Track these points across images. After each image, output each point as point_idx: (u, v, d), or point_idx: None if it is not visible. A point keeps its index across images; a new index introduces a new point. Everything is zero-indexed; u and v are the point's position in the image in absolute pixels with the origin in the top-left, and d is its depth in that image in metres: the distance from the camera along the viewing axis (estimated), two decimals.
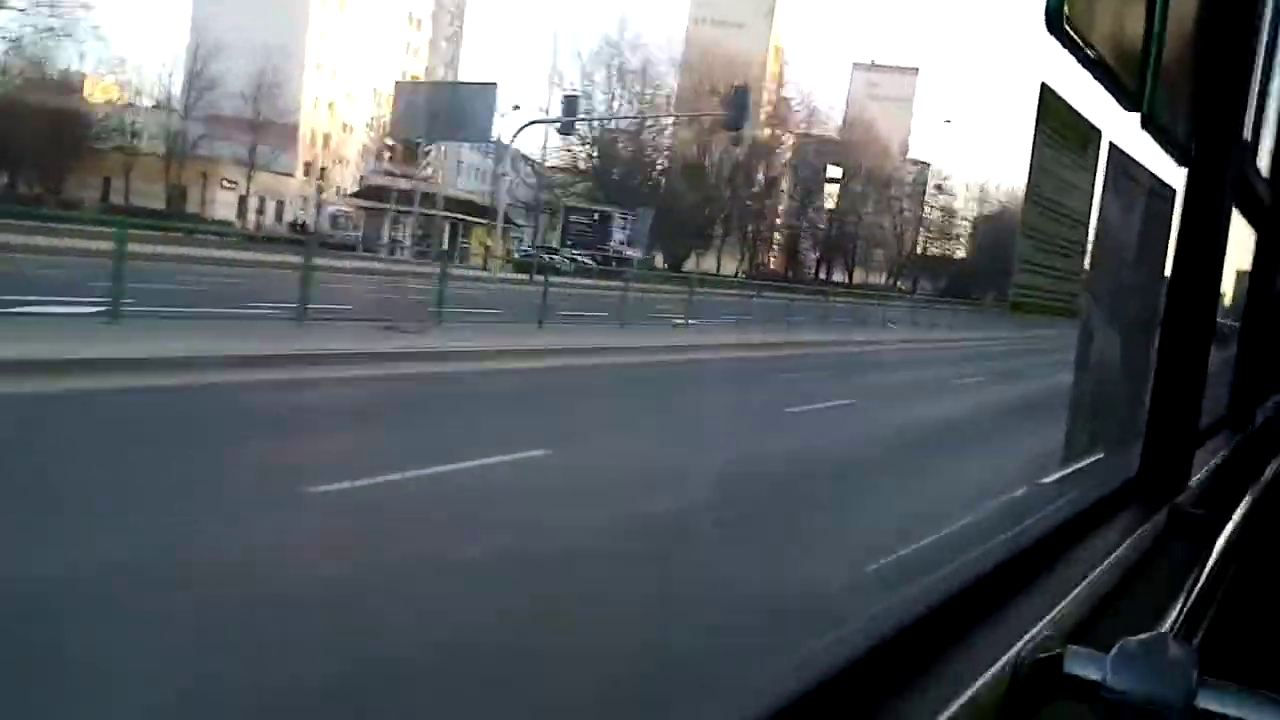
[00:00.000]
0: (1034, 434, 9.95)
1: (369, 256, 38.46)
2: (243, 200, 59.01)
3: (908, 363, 22.04)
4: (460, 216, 53.71)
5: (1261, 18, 1.77)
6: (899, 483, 8.18)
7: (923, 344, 29.23)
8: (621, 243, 57.70)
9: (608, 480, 7.21)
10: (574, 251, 51.00)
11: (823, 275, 70.13)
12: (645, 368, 15.04)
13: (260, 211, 60.32)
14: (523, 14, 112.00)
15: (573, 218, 59.57)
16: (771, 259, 71.06)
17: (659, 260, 62.84)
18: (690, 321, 21.85)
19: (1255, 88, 2.10)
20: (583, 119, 46.45)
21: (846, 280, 69.51)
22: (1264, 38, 1.97)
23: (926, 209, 74.50)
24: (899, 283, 70.29)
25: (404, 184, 51.65)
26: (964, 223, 75.34)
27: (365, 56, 69.69)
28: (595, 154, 66.14)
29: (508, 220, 54.54)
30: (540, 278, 24.05)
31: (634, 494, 6.84)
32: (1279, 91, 2.99)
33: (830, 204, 71.60)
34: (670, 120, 64.77)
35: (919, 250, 73.48)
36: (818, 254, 71.97)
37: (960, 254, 74.97)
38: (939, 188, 74.52)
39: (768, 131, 70.27)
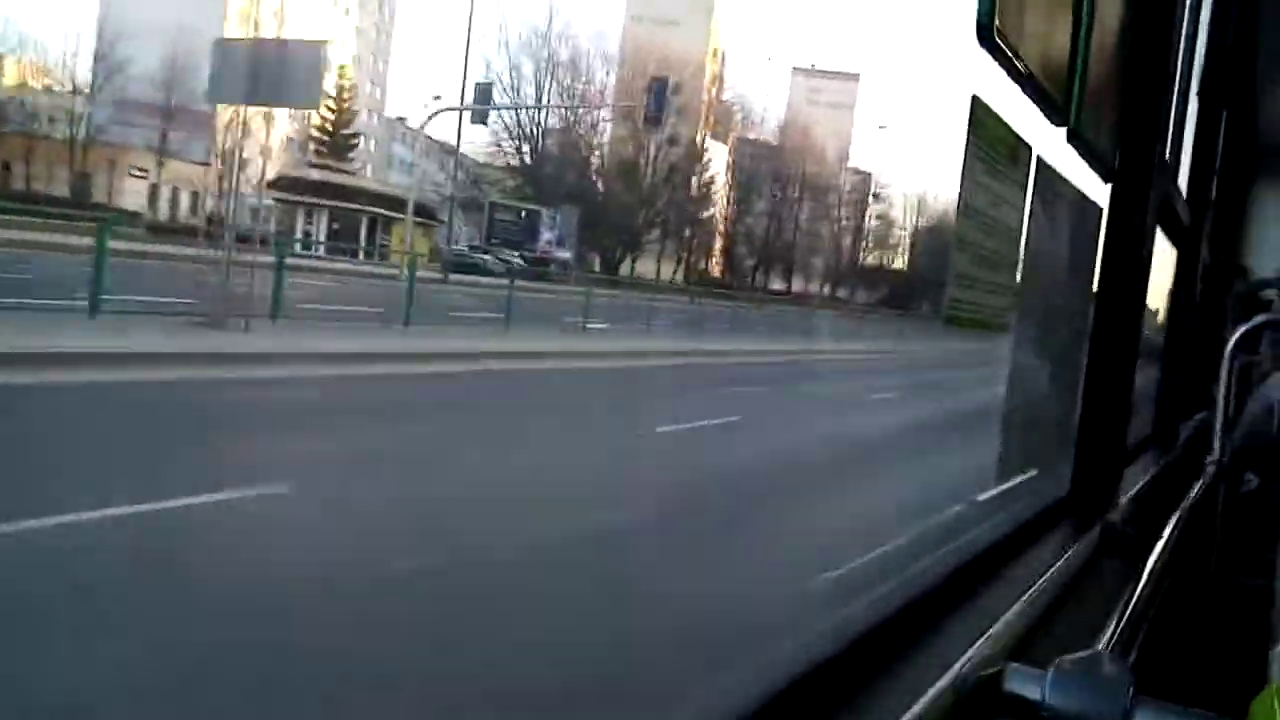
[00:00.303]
0: (930, 465, 9.73)
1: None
2: (155, 189, 55.78)
3: (824, 374, 20.76)
4: (378, 211, 50.53)
5: (1179, 39, 1.81)
6: (725, 537, 6.01)
7: (850, 354, 27.86)
8: (549, 242, 55.34)
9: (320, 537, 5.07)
10: (505, 252, 48.68)
11: (761, 282, 69.89)
12: (510, 376, 13.26)
13: (173, 202, 57.11)
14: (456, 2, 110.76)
15: (498, 216, 56.57)
16: (710, 264, 70.50)
17: (595, 262, 61.72)
18: (592, 325, 20.28)
19: (1174, 111, 2.15)
20: (494, 107, 43.94)
21: (785, 288, 69.47)
22: (1180, 64, 2.03)
23: (865, 218, 74.18)
24: (838, 291, 70.53)
25: (316, 175, 49.90)
26: (902, 232, 75.22)
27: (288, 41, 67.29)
28: (525, 150, 63.97)
29: (431, 217, 53.33)
30: (462, 276, 23.46)
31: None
32: (1195, 116, 3.09)
33: (767, 209, 71.42)
34: (604, 116, 64.06)
35: (858, 259, 73.48)
36: (754, 260, 71.80)
37: (898, 264, 75.01)
38: (876, 196, 74.14)
39: (705, 133, 69.52)
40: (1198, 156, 3.11)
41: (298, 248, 34.07)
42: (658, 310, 25.90)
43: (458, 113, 44.12)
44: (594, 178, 65.19)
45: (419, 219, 49.41)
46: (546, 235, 55.42)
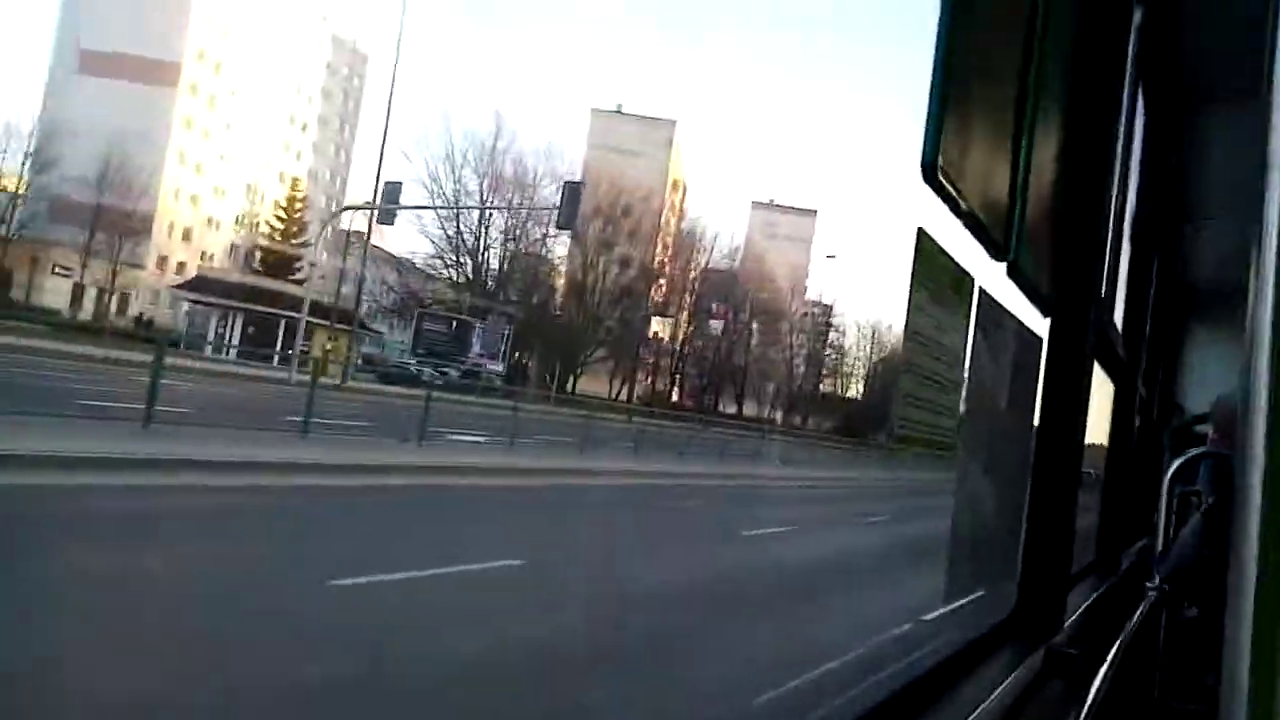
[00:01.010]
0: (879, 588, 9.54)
1: (184, 353, 32.75)
2: (79, 289, 54.55)
3: (732, 499, 19.53)
4: (297, 316, 48.77)
5: (1112, 186, 1.92)
6: None
7: (800, 481, 26.72)
8: (480, 354, 52.86)
9: None
10: (441, 363, 46.80)
11: (711, 404, 69.72)
12: (368, 493, 11.64)
13: (103, 303, 55.24)
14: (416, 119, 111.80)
15: (427, 325, 53.91)
16: (659, 385, 70.31)
17: (539, 378, 60.77)
18: (506, 441, 18.49)
19: (1109, 252, 2.27)
20: (402, 207, 41.13)
21: (736, 411, 69.45)
22: (1113, 204, 2.14)
23: (821, 346, 74.64)
24: (792, 417, 70.51)
25: (236, 278, 48.25)
26: (856, 362, 76.30)
27: (239, 153, 66.92)
28: (465, 263, 62.61)
29: (363, 326, 51.66)
30: (393, 386, 22.69)
31: None
32: (1128, 257, 3.24)
33: (721, 334, 71.86)
34: (551, 232, 62.55)
35: (814, 387, 73.39)
36: (703, 383, 71.63)
37: (852, 392, 75.86)
38: (829, 324, 75.31)
39: (664, 259, 70.38)
40: (1132, 296, 3.24)
41: (209, 350, 32.52)
42: (594, 428, 24.47)
43: (367, 213, 42.41)
44: (536, 294, 64.41)
45: (347, 326, 48.25)
46: (476, 347, 53.22)
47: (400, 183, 39.44)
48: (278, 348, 41.81)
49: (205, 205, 66.33)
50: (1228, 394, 3.74)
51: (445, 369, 44.42)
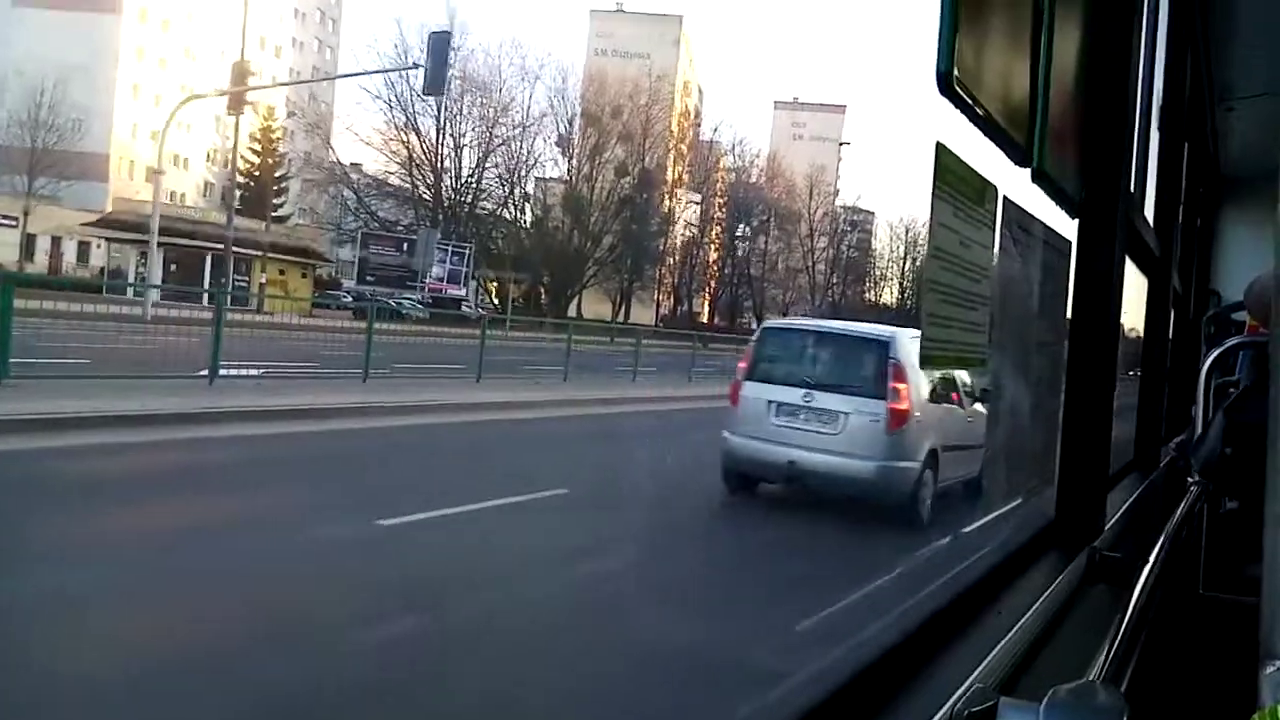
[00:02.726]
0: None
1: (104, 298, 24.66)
2: (30, 239, 49.76)
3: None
4: (220, 248, 40.18)
5: (1137, 76, 1.86)
6: None
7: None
8: (438, 279, 46.81)
9: None
10: (392, 291, 42.07)
11: (744, 321, 66.45)
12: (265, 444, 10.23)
13: (54, 253, 51.03)
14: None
15: (373, 248, 47.46)
16: (665, 304, 66.04)
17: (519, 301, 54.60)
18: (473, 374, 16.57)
19: (1137, 145, 2.20)
20: (251, 88, 32.12)
21: (754, 327, 66.18)
22: (1139, 95, 2.08)
23: (848, 250, 70.96)
24: None
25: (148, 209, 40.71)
26: (893, 266, 72.20)
27: (202, 83, 55.33)
28: (425, 178, 56.03)
29: (313, 255, 47.24)
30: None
31: None
32: (1157, 148, 3.16)
33: (748, 246, 68.65)
34: (536, 149, 57.57)
35: (838, 294, 69.10)
36: (712, 299, 67.88)
37: (885, 299, 71.42)
38: (852, 225, 71.51)
39: (680, 168, 66.17)
40: (1163, 187, 3.17)
41: (130, 293, 27.57)
42: (580, 354, 21.96)
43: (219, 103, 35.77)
44: (517, 212, 59.97)
45: (291, 258, 44.40)
46: (436, 270, 47.14)
47: (249, 61, 30.82)
48: (205, 284, 37.30)
49: (169, 141, 58.59)
50: (1265, 275, 3.66)
51: (407, 301, 40.05)
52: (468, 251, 50.26)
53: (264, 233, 44.25)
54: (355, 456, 10.44)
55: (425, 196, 56.56)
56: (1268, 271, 3.68)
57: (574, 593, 5.87)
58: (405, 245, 48.27)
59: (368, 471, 9.44)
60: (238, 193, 54.86)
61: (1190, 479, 2.81)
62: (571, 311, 55.04)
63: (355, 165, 57.54)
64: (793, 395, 8.60)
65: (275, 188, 55.33)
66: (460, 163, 56.97)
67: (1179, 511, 2.29)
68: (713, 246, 68.25)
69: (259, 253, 42.42)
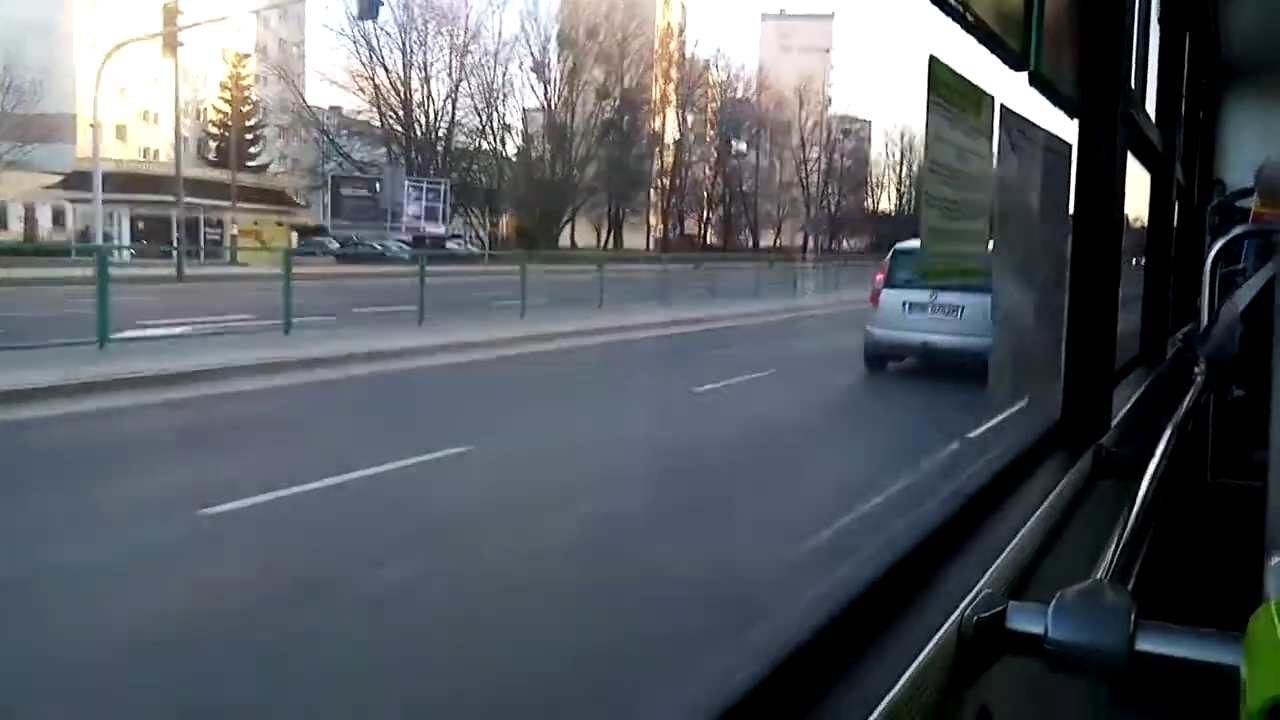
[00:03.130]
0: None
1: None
2: (1, 207, 45.74)
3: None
4: (197, 202, 39.72)
5: None
6: None
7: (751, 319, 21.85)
8: (417, 217, 45.62)
9: None
10: (398, 238, 40.80)
11: (747, 241, 64.39)
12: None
13: (29, 219, 47.03)
14: None
15: (344, 190, 45.93)
16: (659, 228, 64.11)
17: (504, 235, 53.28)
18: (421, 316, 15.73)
19: (1135, 37, 2.16)
20: (181, 28, 31.97)
21: (752, 245, 63.64)
22: None
23: (842, 160, 69.11)
24: (810, 243, 66.35)
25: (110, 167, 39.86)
26: (889, 173, 71.25)
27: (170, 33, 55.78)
28: (393, 111, 53.57)
29: (284, 201, 45.99)
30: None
31: None
32: (1158, 38, 3.10)
33: (740, 164, 65.92)
34: (511, 76, 56.74)
35: (834, 205, 68.00)
36: (705, 218, 65.58)
37: (884, 206, 70.56)
38: (846, 132, 69.44)
39: (666, 86, 64.05)
40: (1164, 80, 3.11)
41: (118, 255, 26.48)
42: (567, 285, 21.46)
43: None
44: (496, 143, 57.26)
45: (269, 207, 43.32)
46: (412, 209, 45.81)
47: None
48: (173, 242, 35.88)
49: (137, 96, 55.60)
50: (1276, 157, 3.62)
51: (386, 241, 39.08)
52: (443, 187, 48.62)
53: (230, 183, 42.58)
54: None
55: (397, 130, 54.56)
56: (1278, 154, 3.64)
57: None
58: (376, 185, 46.96)
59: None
60: (212, 144, 54.05)
61: (1196, 369, 2.82)
62: (565, 241, 53.97)
63: (335, 109, 55.82)
64: (922, 296, 11.40)
65: (249, 136, 53.63)
66: (430, 94, 55.25)
67: (1185, 403, 2.31)
68: (706, 165, 66.80)
69: (226, 203, 40.62)
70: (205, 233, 39.92)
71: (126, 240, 34.94)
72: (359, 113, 54.78)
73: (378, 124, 54.81)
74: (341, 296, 15.84)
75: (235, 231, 39.82)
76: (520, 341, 15.26)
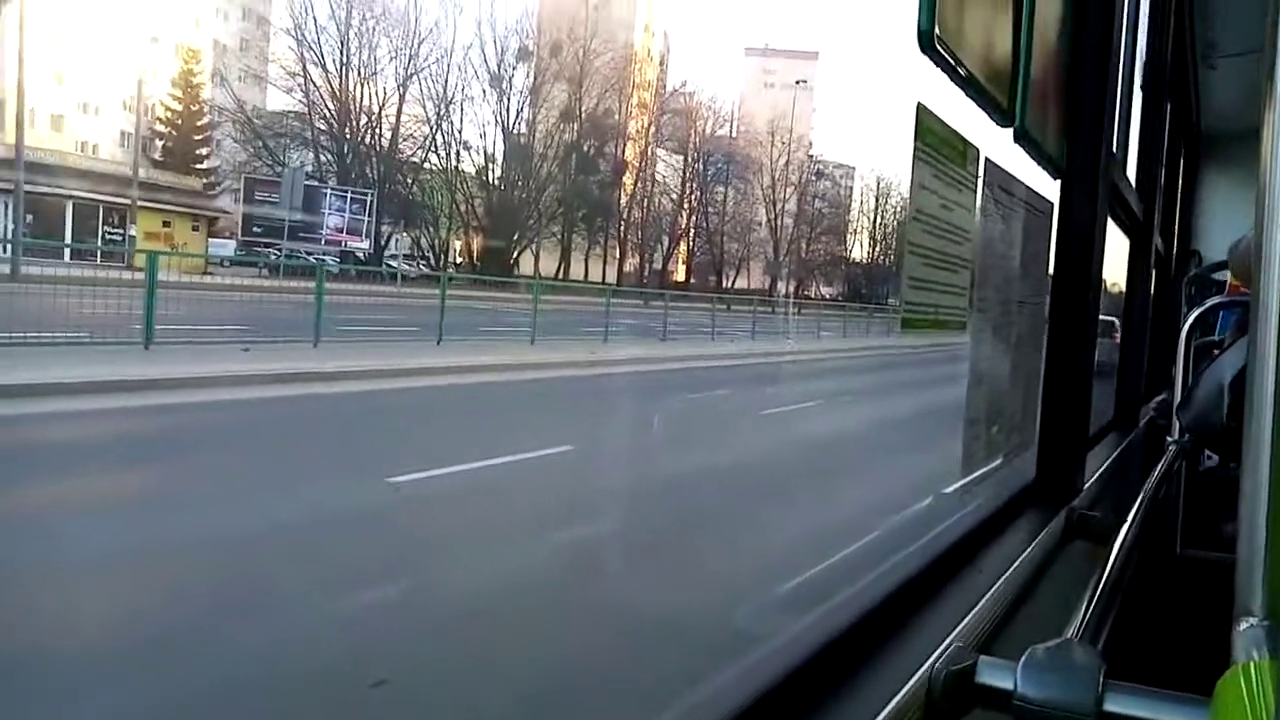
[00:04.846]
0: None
1: None
2: None
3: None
4: (95, 196, 36.49)
5: (1120, 34, 1.85)
6: None
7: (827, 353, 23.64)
8: (338, 229, 42.43)
9: None
10: (282, 244, 37.85)
11: (711, 282, 61.54)
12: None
13: None
14: None
15: (258, 194, 42.26)
16: (628, 262, 61.18)
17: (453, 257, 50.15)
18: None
19: (1119, 105, 2.20)
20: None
21: (717, 283, 60.90)
22: (1122, 53, 2.07)
23: (816, 202, 67.28)
24: (779, 286, 64.88)
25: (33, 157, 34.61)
26: (863, 218, 69.71)
27: (112, 21, 49.07)
28: (330, 116, 49.54)
29: (202, 208, 42.11)
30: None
31: None
32: (1140, 108, 3.15)
33: (711, 201, 63.57)
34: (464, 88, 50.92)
35: (804, 249, 65.92)
36: (669, 254, 63.00)
37: (857, 255, 69.31)
38: (819, 174, 67.90)
39: (647, 123, 61.77)
40: (1144, 148, 3.17)
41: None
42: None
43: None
44: (450, 157, 53.71)
45: (176, 208, 39.60)
46: (335, 220, 42.52)
47: None
48: (66, 239, 33.06)
49: (75, 86, 51.20)
50: (1249, 235, 3.67)
51: (322, 256, 36.03)
52: (369, 199, 45.01)
53: (135, 179, 38.88)
54: None
55: (324, 134, 50.08)
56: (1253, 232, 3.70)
57: None
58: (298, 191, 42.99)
59: None
60: (158, 143, 49.35)
61: (1169, 439, 2.83)
62: (528, 270, 50.60)
63: (289, 112, 51.88)
64: None
65: (197, 138, 50.41)
66: (371, 96, 51.08)
67: (1158, 470, 2.32)
68: (685, 202, 64.98)
69: (128, 201, 36.86)
70: (104, 231, 36.25)
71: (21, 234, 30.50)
72: (288, 113, 51.40)
73: (304, 126, 50.86)
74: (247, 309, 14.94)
75: (133, 232, 36.09)
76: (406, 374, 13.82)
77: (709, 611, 4.63)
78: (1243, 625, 0.89)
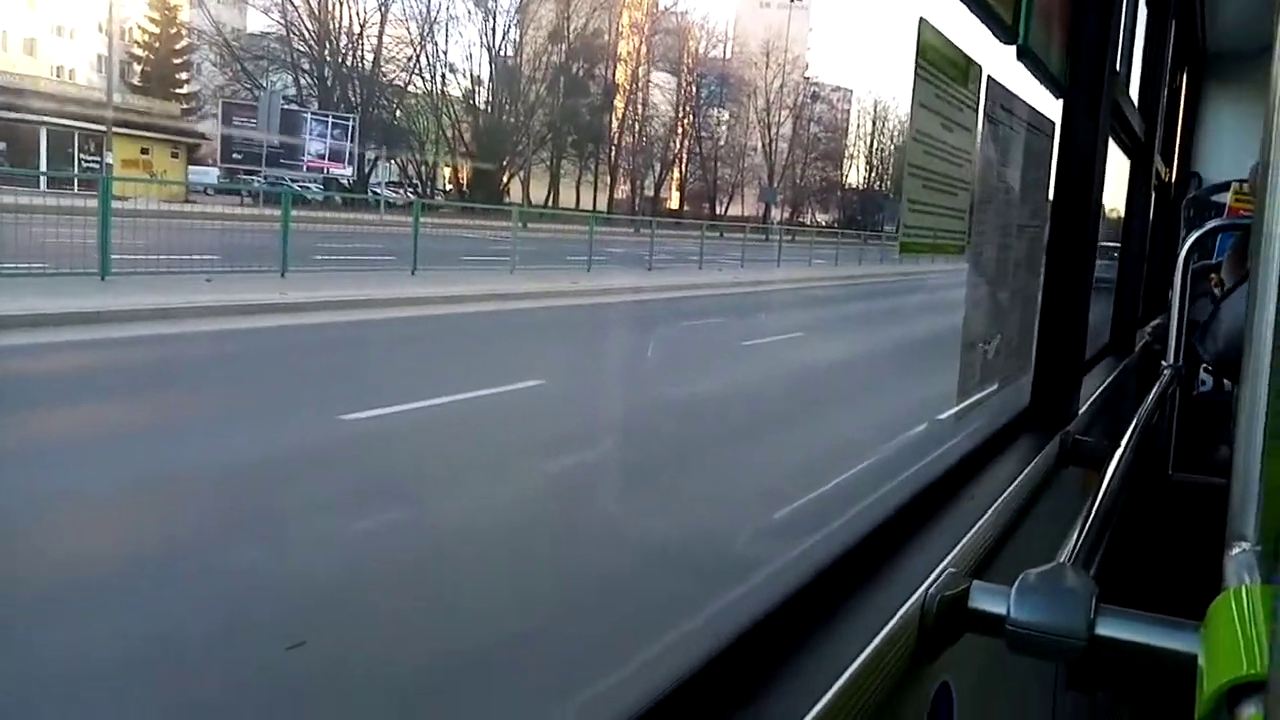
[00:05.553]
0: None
1: None
2: None
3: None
4: (66, 123, 34.93)
5: None
6: None
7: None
8: (320, 155, 40.50)
9: None
10: (292, 177, 36.11)
11: (705, 209, 59.81)
12: None
13: None
14: None
15: (236, 119, 40.60)
16: (623, 188, 59.15)
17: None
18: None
19: (1124, 23, 2.15)
20: None
21: (711, 211, 59.05)
22: None
23: (811, 127, 64.87)
24: (772, 213, 63.81)
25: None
26: (859, 143, 67.30)
27: None
28: (308, 38, 47.64)
29: (186, 133, 40.91)
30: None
31: None
32: (1144, 26, 3.09)
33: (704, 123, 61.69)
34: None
35: (798, 175, 63.72)
36: (660, 180, 60.67)
37: (853, 180, 67.12)
38: (815, 97, 65.27)
39: (626, 36, 58.76)
40: (1148, 67, 3.11)
41: None
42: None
43: None
44: (434, 80, 51.34)
45: (155, 135, 38.24)
46: (316, 146, 40.73)
47: None
48: (41, 166, 31.08)
49: (48, 9, 48.20)
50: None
51: (308, 183, 35.16)
52: (351, 124, 43.24)
53: (110, 103, 37.66)
54: None
55: (303, 54, 48.08)
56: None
57: None
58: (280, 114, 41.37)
59: None
60: (137, 68, 47.12)
61: (1164, 362, 2.83)
62: (517, 197, 48.95)
63: (266, 34, 49.29)
64: None
65: (176, 61, 48.08)
66: (348, 15, 48.46)
67: (1151, 395, 2.32)
68: (678, 126, 62.89)
69: (104, 127, 35.10)
70: (81, 159, 34.28)
71: None
72: (265, 34, 49.09)
73: (284, 49, 48.37)
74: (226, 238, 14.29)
75: (110, 160, 34.02)
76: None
77: (686, 549, 4.40)
78: (1235, 550, 0.88)
